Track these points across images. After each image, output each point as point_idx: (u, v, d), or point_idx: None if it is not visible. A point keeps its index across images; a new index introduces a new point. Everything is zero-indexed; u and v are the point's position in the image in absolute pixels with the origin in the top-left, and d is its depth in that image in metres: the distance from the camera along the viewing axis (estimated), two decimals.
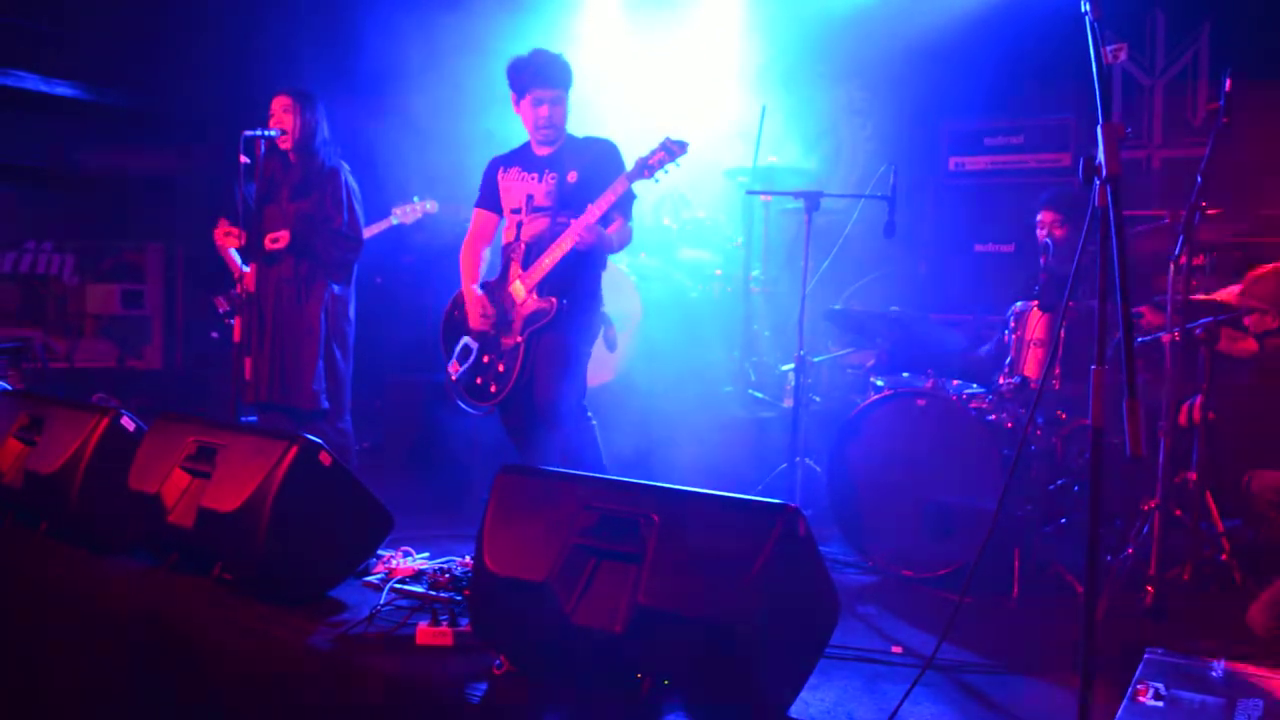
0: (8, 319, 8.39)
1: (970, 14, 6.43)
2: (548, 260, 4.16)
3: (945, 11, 6.54)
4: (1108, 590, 3.72)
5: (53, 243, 8.82)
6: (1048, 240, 4.62)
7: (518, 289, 4.24)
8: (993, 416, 4.29)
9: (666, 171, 4.14)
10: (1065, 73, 6.25)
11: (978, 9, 6.42)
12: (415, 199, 6.00)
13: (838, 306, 5.45)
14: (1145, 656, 2.52)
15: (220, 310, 5.60)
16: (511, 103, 4.34)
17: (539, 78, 4.21)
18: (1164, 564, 3.78)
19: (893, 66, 6.63)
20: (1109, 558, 4.03)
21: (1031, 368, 4.36)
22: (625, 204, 4.22)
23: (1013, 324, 4.50)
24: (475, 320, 4.33)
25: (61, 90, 8.49)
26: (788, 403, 5.53)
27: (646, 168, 4.10)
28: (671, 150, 4.10)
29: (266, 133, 4.82)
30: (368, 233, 5.30)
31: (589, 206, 4.10)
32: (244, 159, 4.73)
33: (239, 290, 4.94)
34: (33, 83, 8.26)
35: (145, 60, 8.09)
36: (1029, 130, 6.44)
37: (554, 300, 4.17)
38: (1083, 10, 2.50)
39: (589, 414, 4.33)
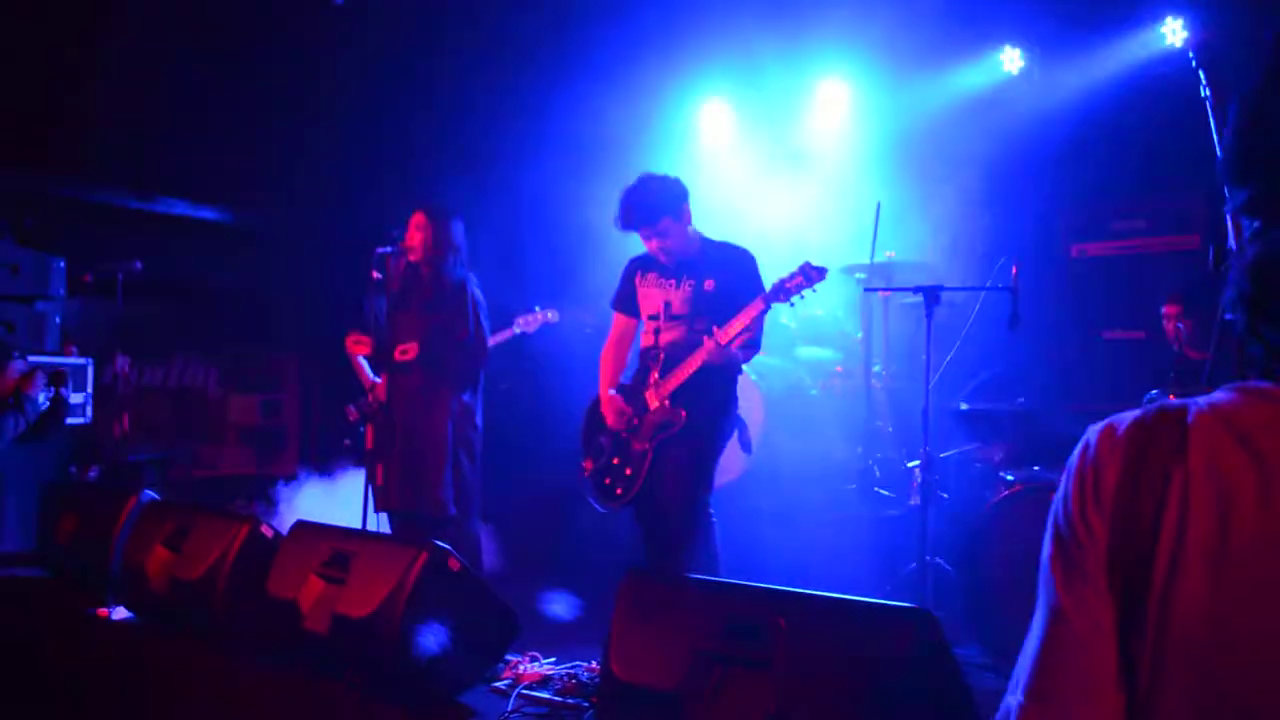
0: (159, 430, 8.82)
1: (1083, 98, 6.38)
2: (681, 372, 4.20)
3: (1058, 97, 6.50)
4: None
5: (199, 356, 9.31)
6: (1179, 326, 4.49)
7: (650, 396, 4.29)
8: None
9: (803, 296, 4.13)
10: (1187, 152, 6.10)
11: (1091, 93, 6.36)
12: (537, 308, 6.16)
13: (964, 407, 5.34)
14: None
15: (351, 419, 5.79)
16: None
17: (638, 221, 4.30)
18: None
19: (1008, 154, 6.58)
20: None
21: None
22: (758, 321, 4.25)
23: None
24: (611, 417, 4.39)
25: (206, 214, 9.06)
26: (914, 500, 5.40)
27: (784, 291, 4.10)
28: (810, 276, 4.09)
29: (398, 250, 5.03)
30: (492, 341, 5.45)
31: (721, 329, 4.11)
32: (376, 274, 4.95)
33: (370, 400, 5.12)
34: (181, 208, 8.83)
35: (283, 184, 8.58)
36: (1153, 213, 6.27)
37: (682, 413, 4.20)
38: (1203, 95, 2.47)
39: (712, 514, 4.32)
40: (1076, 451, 0.96)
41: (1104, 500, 0.91)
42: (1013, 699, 0.96)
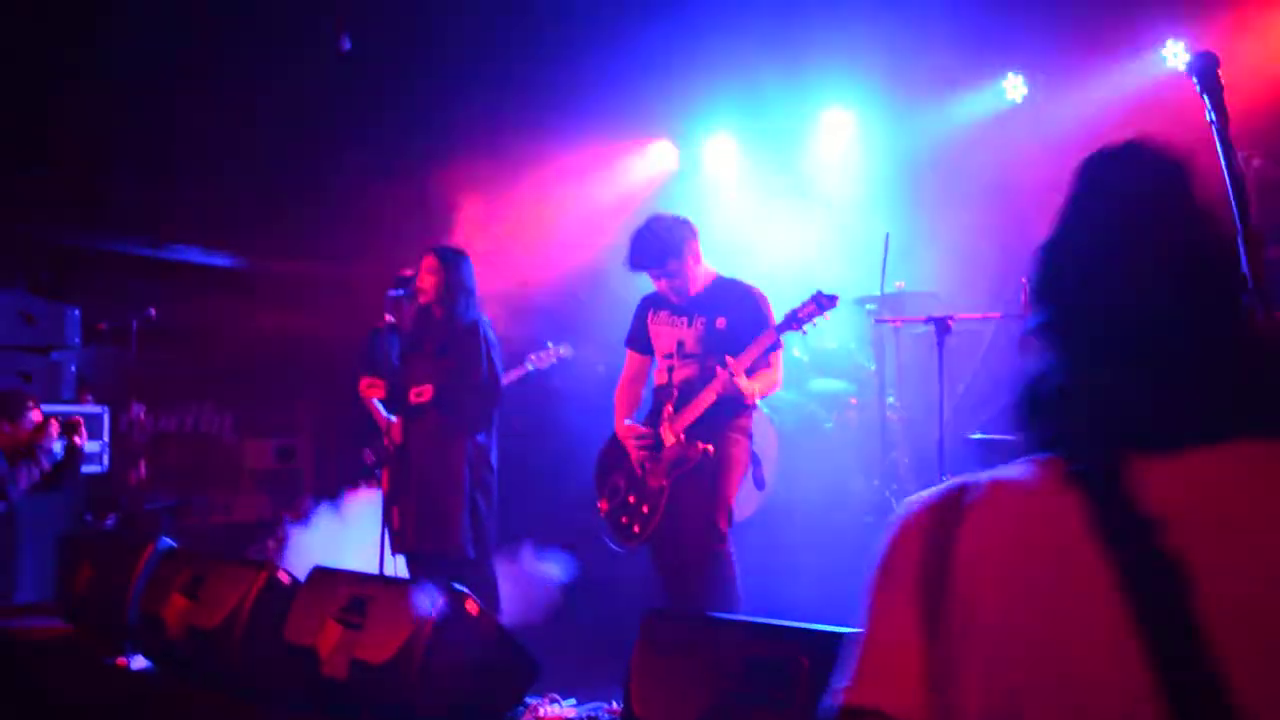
0: (174, 477, 8.84)
1: (1088, 122, 6.38)
2: (696, 406, 4.18)
3: (1064, 121, 6.50)
4: None
5: (214, 402, 9.34)
6: None
7: (666, 433, 4.27)
8: None
9: (815, 325, 4.11)
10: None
11: (1095, 118, 6.36)
12: (549, 344, 6.17)
13: (978, 435, 5.31)
14: None
15: (368, 462, 5.79)
16: None
17: (646, 263, 4.30)
18: None
19: (1014, 180, 6.58)
20: None
21: None
22: (775, 357, 4.23)
23: None
24: (633, 450, 4.37)
25: (219, 261, 9.14)
26: None
27: (796, 320, 4.09)
28: (821, 304, 4.08)
29: (410, 293, 5.05)
30: (505, 380, 5.45)
31: (734, 359, 4.07)
32: (389, 318, 4.96)
33: (386, 442, 5.12)
34: (194, 255, 8.91)
35: (293, 229, 8.63)
36: None
37: (699, 447, 4.16)
38: (1209, 119, 2.46)
39: (731, 550, 4.28)
40: (900, 512, 1.14)
41: (911, 556, 1.08)
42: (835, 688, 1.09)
